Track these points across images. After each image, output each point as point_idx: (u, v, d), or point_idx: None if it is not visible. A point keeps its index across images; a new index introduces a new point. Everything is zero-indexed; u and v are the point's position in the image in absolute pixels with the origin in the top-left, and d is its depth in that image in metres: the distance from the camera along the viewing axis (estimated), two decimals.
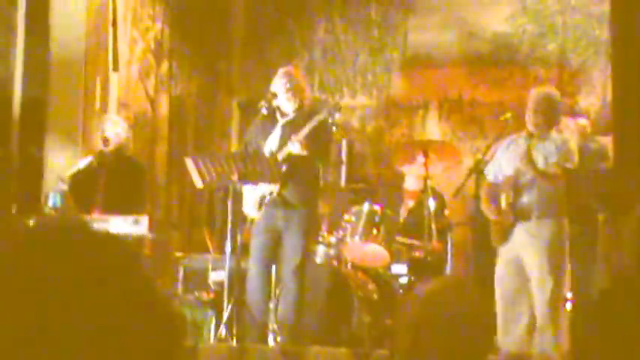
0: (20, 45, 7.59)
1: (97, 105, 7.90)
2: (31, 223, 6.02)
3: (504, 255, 6.00)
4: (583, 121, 7.42)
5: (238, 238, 6.09)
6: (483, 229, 6.22)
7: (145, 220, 6.02)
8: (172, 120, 8.98)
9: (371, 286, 6.75)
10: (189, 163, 6.10)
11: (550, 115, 6.02)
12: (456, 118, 9.07)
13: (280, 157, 6.06)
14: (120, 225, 5.98)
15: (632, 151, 6.33)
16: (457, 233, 7.46)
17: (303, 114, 6.22)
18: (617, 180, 5.69)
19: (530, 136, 6.00)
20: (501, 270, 6.00)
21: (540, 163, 5.95)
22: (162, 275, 7.76)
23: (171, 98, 8.97)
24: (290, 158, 6.06)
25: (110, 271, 1.06)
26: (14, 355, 1.00)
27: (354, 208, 7.02)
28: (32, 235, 1.09)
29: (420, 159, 7.13)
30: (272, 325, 6.35)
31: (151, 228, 6.13)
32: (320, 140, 6.14)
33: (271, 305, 6.35)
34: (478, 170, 6.23)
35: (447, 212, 7.36)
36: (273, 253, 6.26)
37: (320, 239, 6.92)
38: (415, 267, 7.04)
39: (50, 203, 6.21)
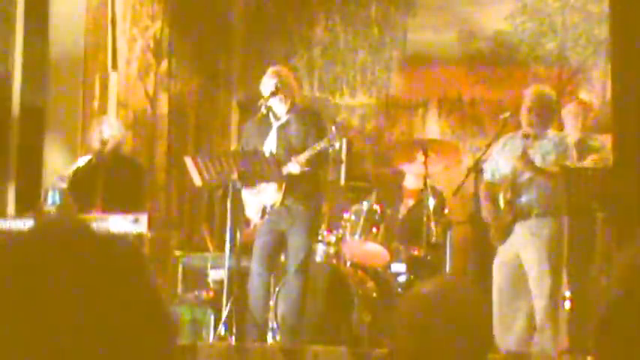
0: (19, 44, 7.59)
1: (96, 104, 7.90)
2: (32, 223, 6.03)
3: (503, 253, 6.01)
4: (584, 98, 7.36)
5: (238, 236, 6.09)
6: (483, 228, 6.22)
7: (144, 218, 6.02)
8: (172, 119, 8.98)
9: (370, 285, 6.76)
10: (188, 162, 6.10)
11: (544, 113, 6.01)
12: (456, 117, 9.07)
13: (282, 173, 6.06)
14: (119, 223, 5.99)
15: (632, 150, 6.32)
16: (457, 232, 7.46)
17: (297, 117, 6.21)
18: (617, 179, 5.68)
19: (527, 135, 6.00)
20: (499, 268, 6.00)
21: (538, 161, 5.95)
22: (162, 274, 7.76)
23: (170, 97, 8.96)
24: (291, 174, 6.07)
25: (112, 273, 1.06)
26: (15, 355, 1.00)
27: (354, 207, 7.03)
28: (33, 235, 1.09)
29: (420, 158, 7.13)
30: (271, 324, 6.36)
31: (150, 226, 6.13)
32: (320, 162, 6.17)
33: (271, 303, 6.36)
34: (478, 169, 6.23)
35: (446, 211, 7.36)
36: (275, 253, 6.28)
37: (320, 238, 6.92)
38: (414, 266, 7.04)
39: (49, 201, 6.21)
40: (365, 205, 6.97)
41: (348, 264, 6.93)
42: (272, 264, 6.28)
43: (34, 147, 7.58)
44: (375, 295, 6.71)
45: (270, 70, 6.33)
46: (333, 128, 6.11)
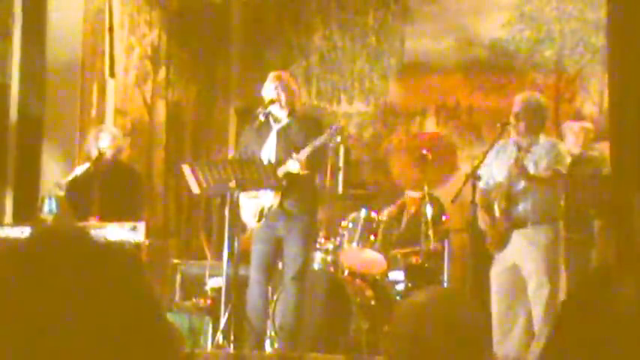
0: (17, 52, 7.59)
1: (94, 112, 7.90)
2: (30, 231, 6.02)
3: (501, 261, 6.01)
4: (588, 125, 7.42)
5: (236, 244, 6.09)
6: (481, 236, 6.22)
7: (142, 226, 6.01)
8: (170, 126, 8.98)
9: (368, 293, 6.75)
10: (186, 169, 6.09)
11: (532, 120, 6.00)
12: (454, 125, 9.08)
13: (280, 173, 6.04)
14: (117, 232, 5.97)
15: (630, 158, 6.32)
16: (455, 239, 7.46)
17: (297, 120, 6.21)
18: (614, 187, 5.69)
19: (519, 142, 6.00)
20: (497, 276, 6.00)
21: (531, 168, 5.95)
22: (160, 282, 7.75)
23: (168, 104, 8.96)
24: (290, 174, 6.05)
25: (111, 280, 1.06)
26: None
27: (351, 215, 7.02)
28: (32, 244, 1.09)
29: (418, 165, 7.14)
30: (269, 332, 6.35)
31: (148, 234, 6.12)
32: (319, 160, 6.15)
33: (269, 311, 6.35)
34: (475, 176, 6.23)
35: (444, 218, 7.36)
36: (273, 261, 6.27)
37: (317, 246, 6.91)
38: (413, 273, 7.04)
39: (46, 209, 6.21)
40: (362, 212, 6.96)
41: (346, 272, 6.93)
42: (270, 272, 6.27)
43: (32, 155, 7.58)
44: (372, 302, 6.70)
45: (272, 74, 6.33)
46: (334, 125, 6.13)
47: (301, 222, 6.12)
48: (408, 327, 2.02)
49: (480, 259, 6.20)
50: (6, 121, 7.55)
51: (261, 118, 6.16)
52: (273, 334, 6.38)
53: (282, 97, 6.16)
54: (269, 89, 6.20)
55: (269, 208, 6.12)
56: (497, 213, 6.00)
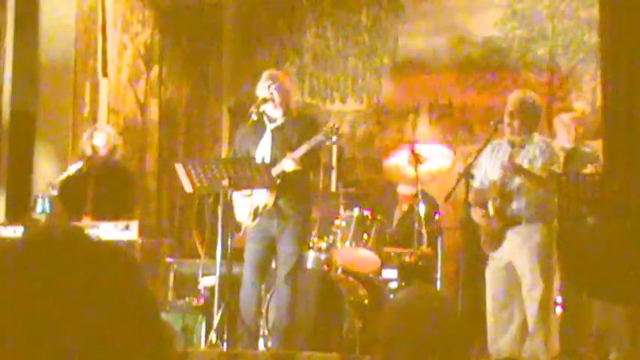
0: (9, 51, 7.58)
1: (87, 111, 7.89)
2: (22, 230, 6.01)
3: (495, 259, 6.01)
4: (576, 114, 7.39)
5: (229, 243, 6.08)
6: (474, 234, 6.22)
7: (135, 225, 6.01)
8: (162, 125, 8.97)
9: (362, 291, 6.75)
10: (179, 168, 6.09)
11: (527, 119, 6.00)
12: (447, 123, 9.09)
13: (275, 173, 6.04)
14: (110, 231, 5.98)
15: (622, 156, 6.34)
16: (448, 238, 7.47)
17: (292, 119, 6.20)
18: (607, 184, 5.69)
19: (513, 140, 6.00)
20: (492, 274, 6.01)
21: (525, 167, 5.95)
22: (153, 281, 7.75)
23: (161, 103, 8.95)
24: (284, 173, 6.05)
25: (105, 279, 1.06)
26: None
27: (345, 213, 7.02)
28: (25, 243, 1.09)
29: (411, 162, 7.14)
30: (263, 330, 6.35)
31: (141, 233, 6.12)
32: (314, 159, 6.15)
33: (262, 310, 6.35)
34: (468, 175, 6.23)
35: (437, 217, 7.37)
36: (267, 260, 6.27)
37: (311, 244, 6.91)
38: (406, 272, 7.04)
39: (39, 209, 6.20)
40: (356, 211, 6.96)
41: (340, 270, 6.93)
42: (264, 271, 6.27)
43: (25, 154, 7.56)
44: (366, 301, 6.70)
45: (266, 73, 6.31)
46: (330, 122, 6.13)
47: (295, 221, 6.12)
48: (384, 331, 2.03)
49: (473, 257, 6.20)
50: None
51: (254, 117, 6.15)
52: (266, 332, 6.38)
53: (276, 96, 6.15)
54: (262, 88, 6.19)
55: (263, 207, 6.12)
56: (491, 212, 6.00)
